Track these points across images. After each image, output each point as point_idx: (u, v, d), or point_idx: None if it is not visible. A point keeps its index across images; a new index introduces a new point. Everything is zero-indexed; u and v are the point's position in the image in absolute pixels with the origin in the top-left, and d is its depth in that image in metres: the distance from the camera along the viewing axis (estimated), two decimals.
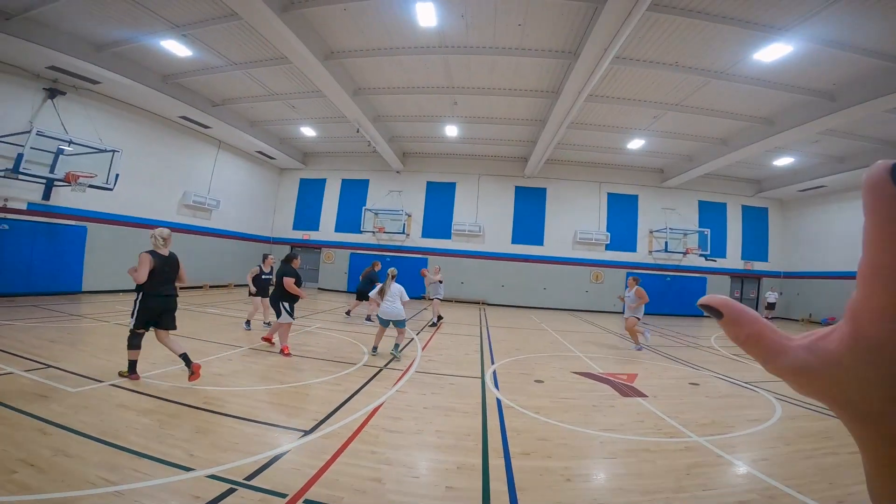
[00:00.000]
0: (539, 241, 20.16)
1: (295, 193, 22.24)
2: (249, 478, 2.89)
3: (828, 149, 15.10)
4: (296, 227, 21.97)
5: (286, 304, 6.54)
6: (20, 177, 10.16)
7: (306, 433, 3.70)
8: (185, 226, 16.24)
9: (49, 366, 5.06)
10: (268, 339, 7.17)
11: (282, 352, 6.57)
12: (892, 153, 14.04)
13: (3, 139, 10.24)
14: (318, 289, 20.88)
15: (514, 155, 19.49)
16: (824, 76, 10.18)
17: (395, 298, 6.82)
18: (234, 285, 18.10)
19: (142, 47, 11.05)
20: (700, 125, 14.24)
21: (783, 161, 16.93)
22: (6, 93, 10.73)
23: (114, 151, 11.65)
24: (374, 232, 20.17)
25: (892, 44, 8.60)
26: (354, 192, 21.36)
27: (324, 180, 21.89)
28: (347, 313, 11.47)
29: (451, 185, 20.76)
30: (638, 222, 20.29)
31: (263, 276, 8.55)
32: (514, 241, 20.21)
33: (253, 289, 8.56)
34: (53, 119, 11.39)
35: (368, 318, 10.94)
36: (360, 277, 11.31)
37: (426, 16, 9.27)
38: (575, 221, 20.09)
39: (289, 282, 6.45)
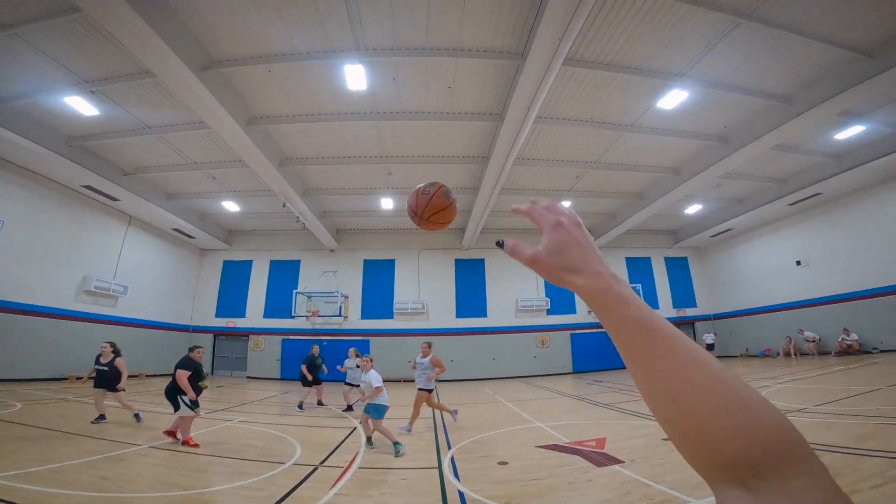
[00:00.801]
0: (483, 312, 19.99)
1: (218, 277, 20.52)
2: None
3: (729, 192, 16.80)
4: (219, 314, 20.00)
5: (184, 398, 5.83)
6: None
7: None
8: (85, 314, 14.14)
9: None
10: (171, 433, 5.96)
11: (185, 443, 5.69)
12: (781, 189, 15.83)
13: None
14: (248, 377, 18.64)
15: (452, 226, 19.58)
16: (717, 119, 11.45)
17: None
18: (146, 375, 15.87)
19: (42, 103, 9.96)
20: (618, 181, 15.27)
21: (693, 209, 18.57)
22: None
23: None
24: (307, 316, 18.85)
25: (770, 83, 9.87)
26: (285, 274, 20.16)
27: (250, 262, 20.52)
28: (300, 406, 9.72)
29: (391, 263, 20.30)
30: None
31: (97, 367, 7.49)
32: (459, 314, 19.86)
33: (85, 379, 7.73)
34: None
35: (321, 404, 9.99)
36: (303, 365, 9.97)
37: (356, 79, 9.23)
38: (515, 290, 20.18)
39: (181, 375, 5.94)
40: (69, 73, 9.08)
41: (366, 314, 19.60)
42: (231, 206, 16.96)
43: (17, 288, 11.99)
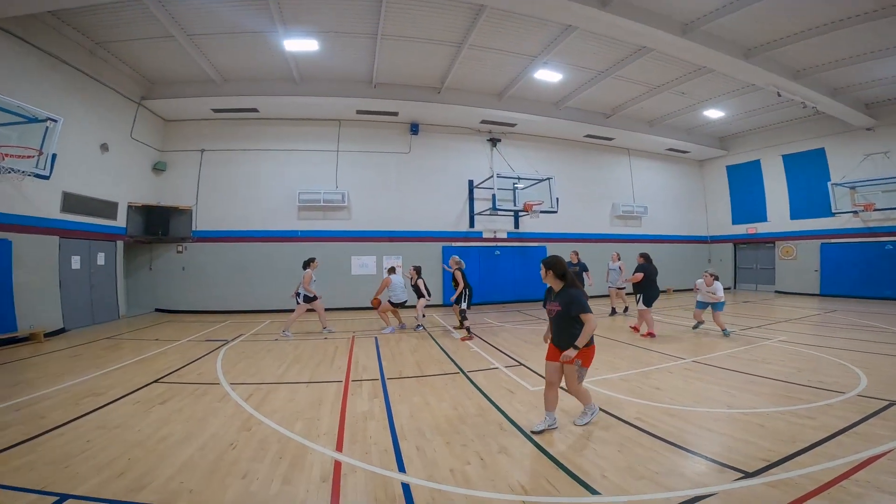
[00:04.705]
0: None
1: (725, 183, 19.55)
2: None
3: None
4: (735, 220, 19.18)
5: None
6: (498, 212, 14.24)
7: (746, 475, 2.86)
8: (620, 235, 17.59)
9: (520, 363, 6.35)
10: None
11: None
12: None
13: (482, 185, 14.71)
14: (776, 292, 17.18)
15: None
16: None
17: None
18: (673, 290, 17.68)
19: (525, 84, 12.91)
20: None
21: None
22: (473, 150, 15.46)
23: (549, 179, 14.00)
24: (855, 212, 14.91)
25: None
26: (806, 167, 16.58)
27: (757, 161, 18.18)
28: None
29: None
30: None
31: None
32: None
33: None
34: (502, 162, 15.20)
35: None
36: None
37: None
38: None
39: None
40: (519, 56, 11.28)
41: None
42: (714, 114, 15.67)
43: (574, 222, 16.62)
